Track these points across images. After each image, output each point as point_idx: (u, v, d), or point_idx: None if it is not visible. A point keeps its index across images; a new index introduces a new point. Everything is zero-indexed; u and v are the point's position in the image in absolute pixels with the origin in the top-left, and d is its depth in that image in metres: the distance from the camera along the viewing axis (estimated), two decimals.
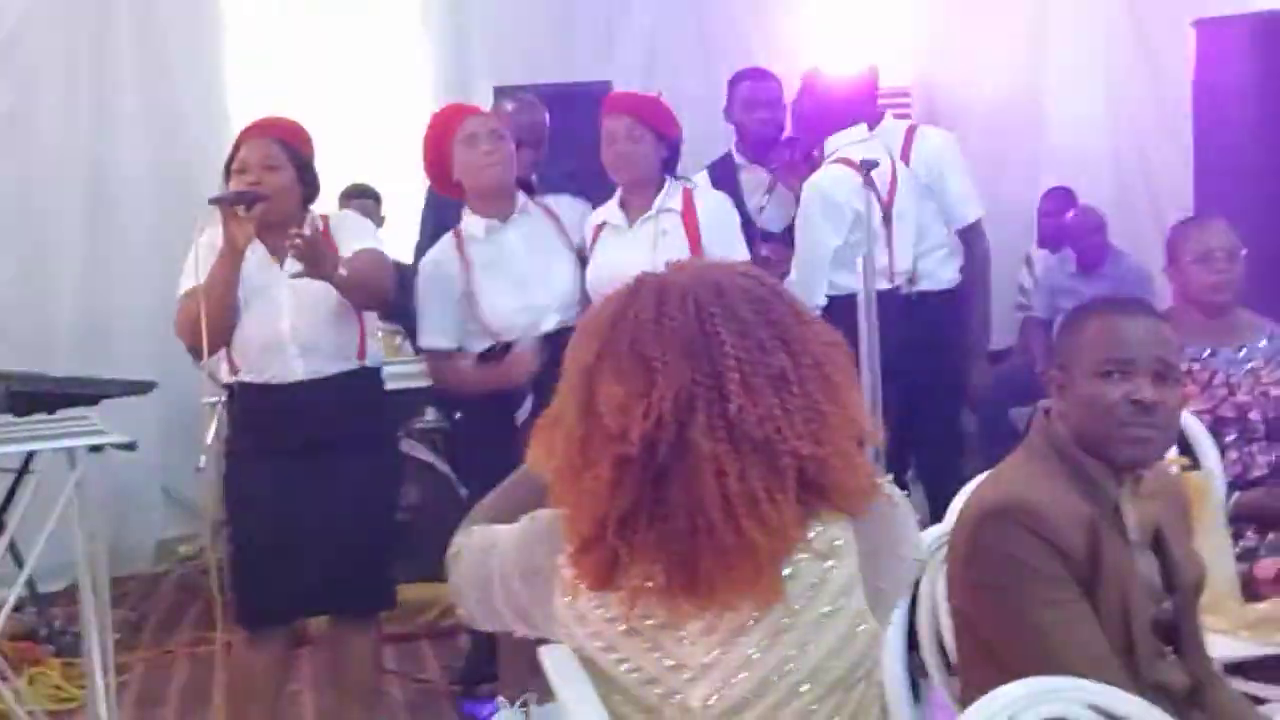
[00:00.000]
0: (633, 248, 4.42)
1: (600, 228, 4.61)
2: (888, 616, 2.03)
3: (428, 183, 4.96)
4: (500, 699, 4.35)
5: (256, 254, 4.06)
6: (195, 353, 4.05)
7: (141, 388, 5.76)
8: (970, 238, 5.18)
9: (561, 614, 2.04)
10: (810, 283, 4.73)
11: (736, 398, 1.90)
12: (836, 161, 4.77)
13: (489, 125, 4.49)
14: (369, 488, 4.15)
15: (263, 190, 3.97)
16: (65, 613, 5.75)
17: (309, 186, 4.14)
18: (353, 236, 4.17)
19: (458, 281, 4.42)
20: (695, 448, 1.89)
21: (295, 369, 4.06)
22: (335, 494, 4.05)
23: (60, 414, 4.66)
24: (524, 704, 4.44)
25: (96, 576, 4.20)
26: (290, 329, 4.05)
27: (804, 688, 1.96)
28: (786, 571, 1.93)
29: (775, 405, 1.91)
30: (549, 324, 4.38)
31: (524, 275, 4.43)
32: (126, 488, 6.62)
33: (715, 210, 4.60)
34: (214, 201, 3.99)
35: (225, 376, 4.17)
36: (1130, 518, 2.52)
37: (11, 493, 5.53)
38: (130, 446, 4.22)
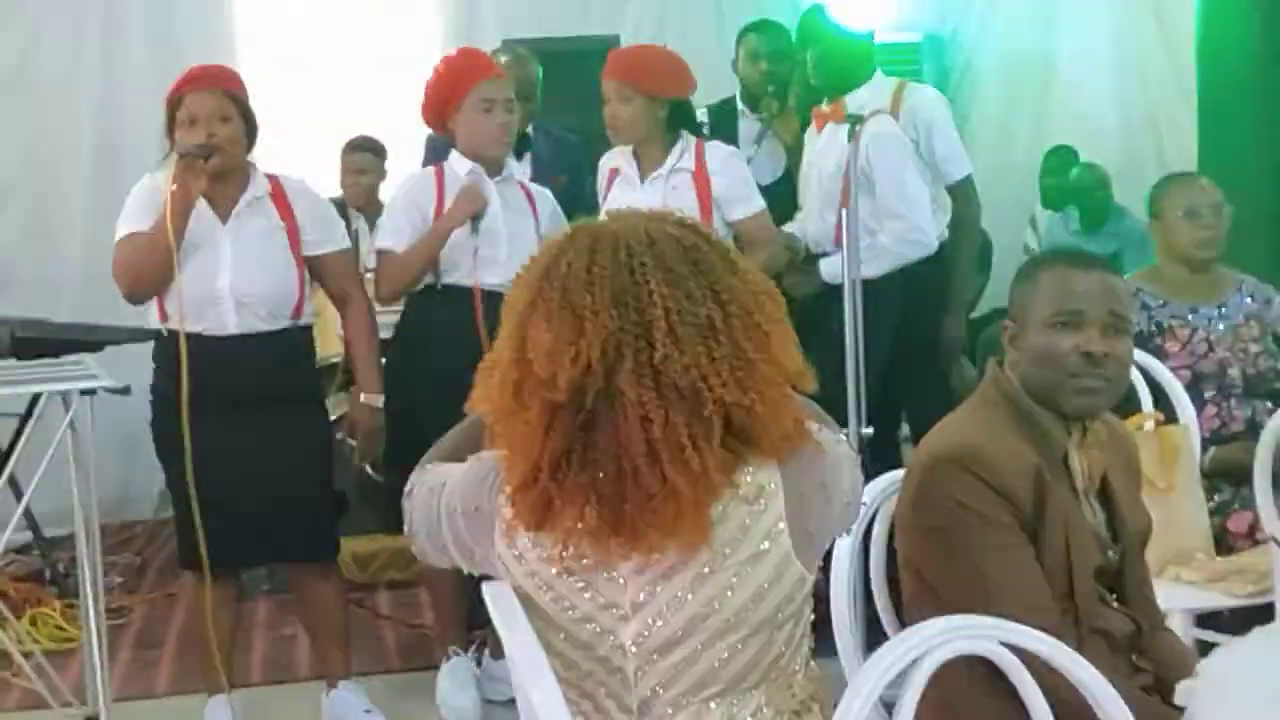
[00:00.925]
0: (645, 202, 4.41)
1: (614, 173, 4.64)
2: (815, 560, 2.07)
3: (429, 133, 4.99)
4: (453, 647, 4.50)
5: (199, 207, 4.09)
6: (132, 297, 4.17)
7: (146, 335, 5.82)
8: (959, 193, 5.19)
9: (502, 552, 2.09)
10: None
11: (663, 346, 1.94)
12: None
13: (506, 93, 4.52)
14: (298, 441, 4.21)
15: (218, 143, 4.03)
16: (69, 556, 5.85)
17: (251, 135, 4.19)
18: (322, 232, 4.25)
19: (429, 212, 4.46)
20: (622, 395, 1.94)
21: (228, 323, 4.10)
22: (263, 447, 4.11)
23: (60, 359, 4.74)
24: (477, 652, 4.57)
25: (89, 520, 4.26)
26: (229, 285, 4.09)
27: (730, 628, 2.01)
28: (715, 514, 1.98)
29: (702, 354, 1.95)
30: (500, 280, 4.32)
31: (491, 228, 4.44)
32: (132, 436, 6.68)
33: (725, 163, 4.62)
34: (184, 155, 4.02)
35: (153, 323, 4.21)
36: (1078, 467, 2.56)
37: (15, 437, 5.63)
38: (124, 391, 4.27)
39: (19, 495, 4.97)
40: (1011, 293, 2.69)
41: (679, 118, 4.61)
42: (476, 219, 4.39)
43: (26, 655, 4.50)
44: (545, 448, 1.98)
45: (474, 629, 4.75)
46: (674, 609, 2.01)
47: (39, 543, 5.81)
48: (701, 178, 4.56)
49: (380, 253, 4.49)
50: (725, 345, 1.97)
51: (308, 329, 4.31)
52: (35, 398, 4.90)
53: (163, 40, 7.15)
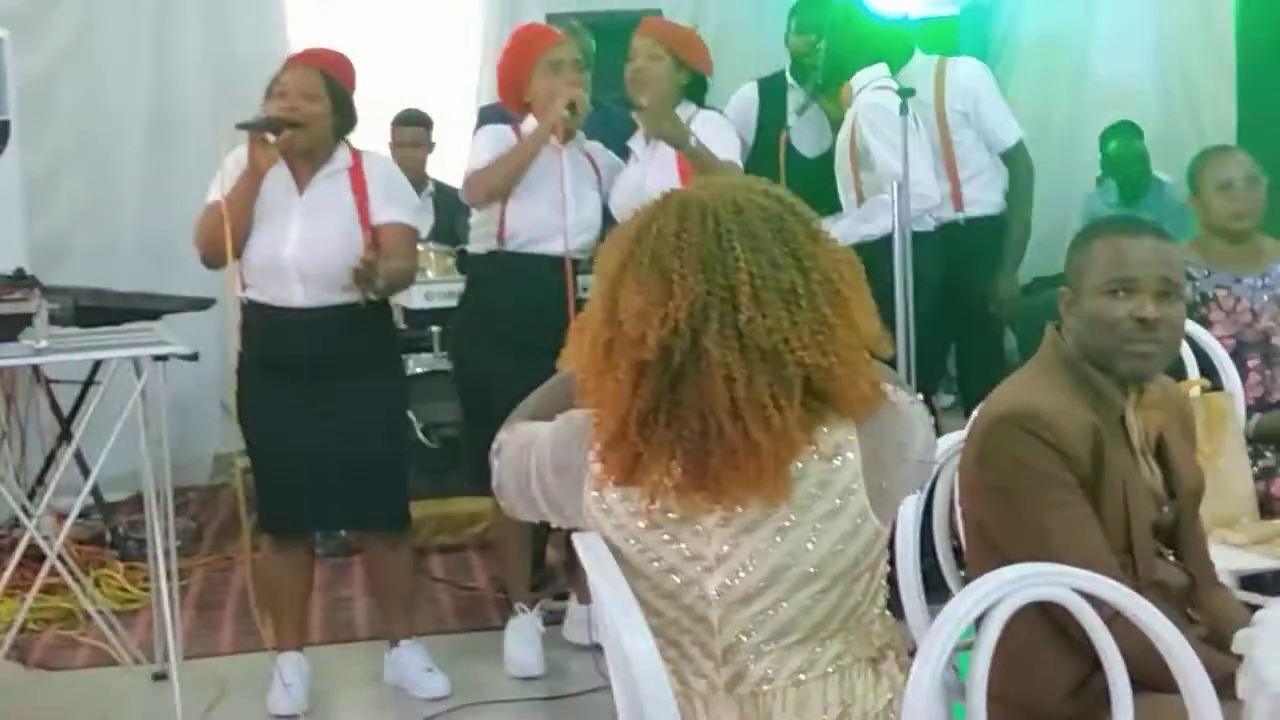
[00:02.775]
0: (637, 168, 4.66)
1: (628, 153, 4.77)
2: (890, 515, 2.16)
3: (480, 105, 5.10)
4: (519, 604, 4.63)
5: (279, 177, 4.20)
6: (207, 262, 4.26)
7: (201, 304, 5.95)
8: (1012, 158, 5.28)
9: (591, 507, 2.19)
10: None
11: (747, 309, 2.03)
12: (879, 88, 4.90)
13: (573, 54, 4.65)
14: (369, 411, 4.29)
15: (293, 117, 4.13)
16: (129, 520, 5.99)
17: (344, 118, 4.28)
18: (387, 200, 4.30)
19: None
20: (707, 355, 2.03)
21: (294, 295, 4.20)
22: (335, 416, 4.21)
23: (124, 327, 4.86)
24: (540, 610, 4.70)
25: (159, 483, 4.38)
26: (291, 257, 4.18)
27: (810, 579, 2.11)
28: (794, 470, 2.07)
29: (784, 317, 2.04)
30: (560, 246, 4.53)
31: (558, 194, 4.56)
32: (186, 402, 6.81)
33: (714, 128, 4.71)
34: (241, 126, 4.15)
35: (237, 291, 4.31)
36: (1134, 427, 2.65)
37: (78, 404, 5.77)
38: (193, 357, 4.39)
39: (80, 459, 5.12)
40: (1067, 260, 2.77)
41: (693, 91, 4.75)
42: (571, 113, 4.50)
43: (91, 617, 4.64)
44: (633, 405, 2.07)
45: (534, 589, 4.89)
46: (756, 560, 2.11)
47: (100, 506, 5.94)
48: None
49: (474, 171, 4.59)
50: (806, 310, 2.06)
51: (380, 306, 4.36)
52: (96, 364, 5.04)
53: (215, 16, 7.25)
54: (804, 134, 5.46)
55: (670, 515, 2.12)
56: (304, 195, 4.24)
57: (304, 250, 4.19)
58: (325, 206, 4.24)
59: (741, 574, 2.12)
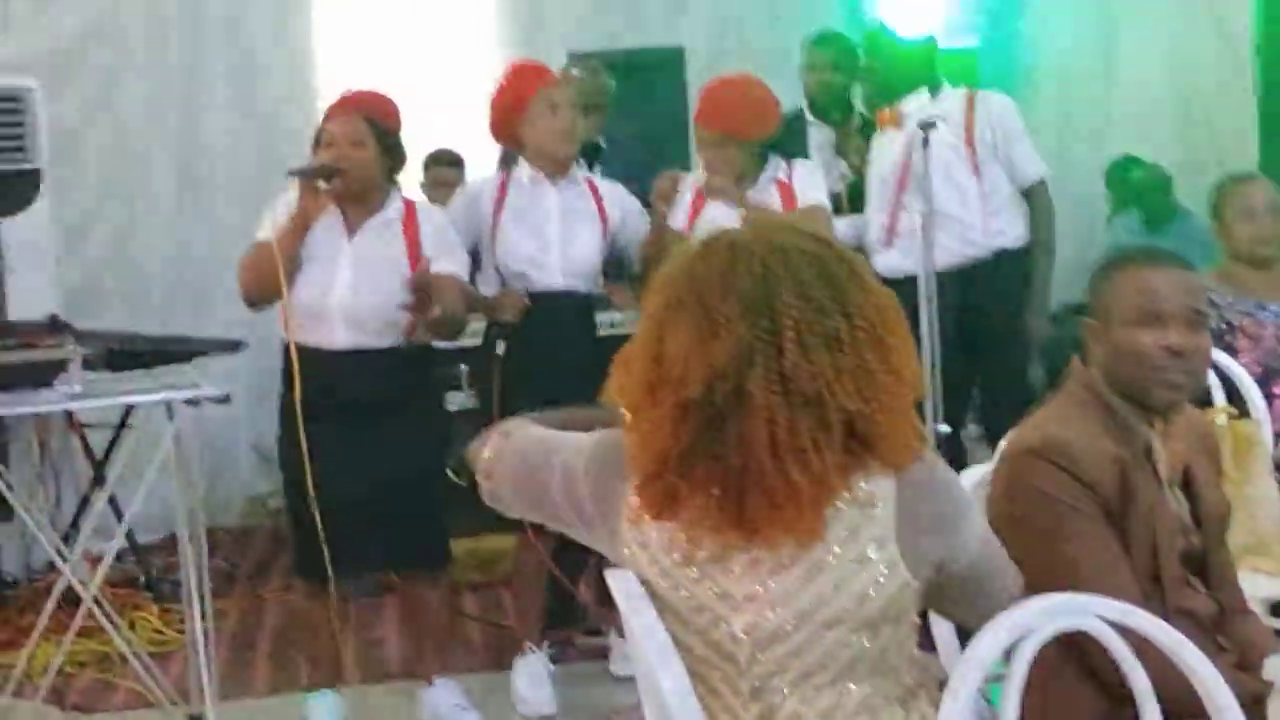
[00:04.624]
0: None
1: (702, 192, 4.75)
2: (924, 571, 2.15)
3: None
4: (529, 644, 4.66)
5: (329, 220, 4.24)
6: (250, 302, 4.30)
7: (231, 347, 6.03)
8: (1035, 194, 5.32)
9: (626, 538, 2.22)
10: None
11: (791, 354, 2.05)
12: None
13: (569, 97, 4.68)
14: (411, 451, 4.31)
15: (341, 165, 4.17)
16: (162, 562, 6.03)
17: (393, 160, 4.34)
18: (440, 253, 4.34)
19: (486, 217, 4.62)
20: (751, 397, 2.05)
21: (336, 338, 4.23)
22: (378, 456, 4.23)
23: (156, 370, 4.91)
24: (550, 649, 4.72)
25: (193, 526, 4.42)
26: (338, 303, 4.22)
27: (837, 623, 2.12)
28: (828, 514, 2.09)
29: (827, 364, 2.06)
30: (553, 282, 4.58)
31: (547, 233, 4.61)
32: (218, 444, 6.87)
33: (808, 177, 4.74)
34: (293, 174, 4.20)
35: (280, 333, 4.33)
36: (1161, 457, 2.67)
37: (110, 448, 5.82)
38: (225, 399, 4.42)
39: (114, 502, 5.16)
40: (1090, 292, 2.79)
41: (768, 150, 4.72)
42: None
43: (126, 659, 4.67)
44: (674, 443, 2.09)
45: (551, 629, 4.91)
46: (784, 602, 2.12)
47: (133, 548, 5.98)
48: (786, 192, 4.68)
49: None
50: (849, 356, 2.07)
51: (425, 345, 4.40)
52: (128, 408, 5.08)
53: (243, 62, 7.34)
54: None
55: (702, 553, 2.15)
56: (353, 240, 4.28)
57: (350, 295, 4.23)
58: (375, 254, 4.28)
59: (769, 614, 2.13)
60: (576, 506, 2.30)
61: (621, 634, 4.69)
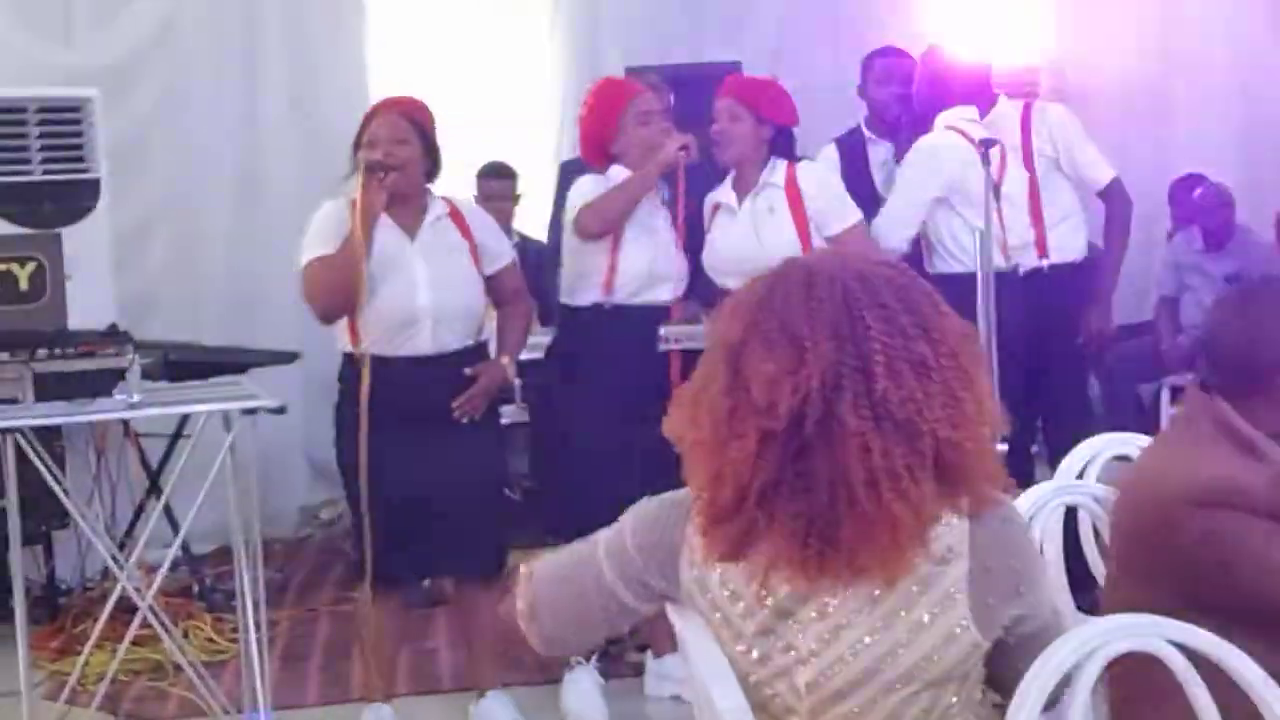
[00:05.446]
0: (738, 225, 4.66)
1: (716, 208, 4.79)
2: (992, 631, 2.09)
3: (561, 160, 5.15)
4: (577, 658, 4.64)
5: (386, 229, 4.24)
6: (325, 316, 4.27)
7: (286, 357, 6.06)
8: (1111, 194, 5.29)
9: (686, 583, 2.16)
10: (897, 221, 4.96)
11: (882, 379, 1.99)
12: (948, 128, 4.95)
13: (660, 105, 4.74)
14: (476, 459, 4.33)
15: (391, 161, 4.18)
16: (216, 572, 6.06)
17: (433, 162, 4.35)
18: (495, 244, 4.45)
19: None
20: (842, 424, 1.98)
21: (422, 342, 4.24)
22: (445, 463, 4.23)
23: (212, 380, 4.92)
24: (599, 661, 4.70)
25: (248, 536, 4.43)
26: (430, 302, 4.23)
27: (903, 681, 2.06)
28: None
29: (917, 389, 2.00)
30: (665, 294, 4.62)
31: (659, 240, 4.66)
32: (271, 455, 6.87)
33: (818, 180, 4.75)
34: (369, 167, 4.17)
35: (344, 346, 4.32)
36: None
37: (165, 457, 5.85)
38: (281, 410, 4.45)
39: (169, 512, 5.18)
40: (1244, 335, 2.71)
41: (780, 145, 4.75)
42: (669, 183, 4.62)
43: (180, 668, 4.69)
44: (755, 475, 2.02)
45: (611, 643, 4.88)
46: (847, 660, 2.06)
47: (187, 558, 6.00)
48: (794, 195, 4.67)
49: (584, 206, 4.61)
50: (937, 383, 2.02)
51: (484, 345, 4.45)
52: (184, 418, 5.10)
53: (301, 74, 7.38)
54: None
55: (770, 599, 2.08)
56: (416, 242, 4.30)
57: (435, 293, 4.25)
58: (442, 250, 4.32)
59: (832, 671, 2.07)
60: (631, 577, 2.22)
61: (657, 653, 4.68)
